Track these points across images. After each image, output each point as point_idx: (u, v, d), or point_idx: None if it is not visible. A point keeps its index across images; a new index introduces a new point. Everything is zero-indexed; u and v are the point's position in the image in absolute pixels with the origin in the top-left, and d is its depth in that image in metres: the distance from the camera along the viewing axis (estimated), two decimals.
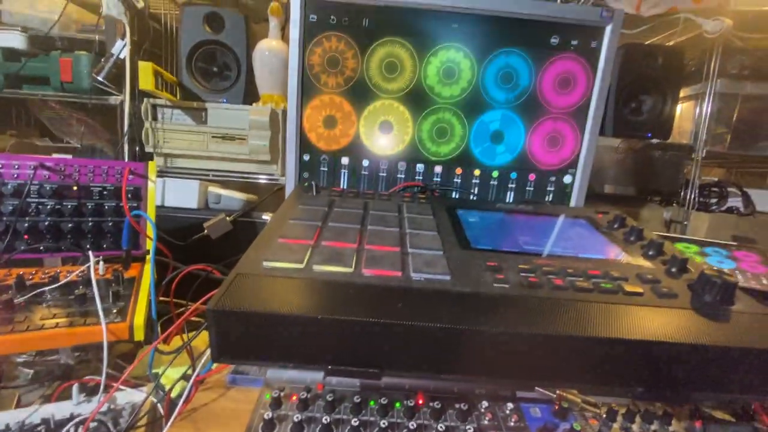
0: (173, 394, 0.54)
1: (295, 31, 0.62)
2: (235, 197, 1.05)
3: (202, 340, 0.58)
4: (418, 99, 0.65)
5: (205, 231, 0.94)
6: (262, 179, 1.16)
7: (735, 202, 1.33)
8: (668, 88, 1.21)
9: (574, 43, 0.64)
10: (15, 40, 1.11)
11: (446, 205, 0.53)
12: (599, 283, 0.35)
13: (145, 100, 1.09)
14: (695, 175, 1.21)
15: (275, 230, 0.39)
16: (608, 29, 0.63)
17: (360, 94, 0.65)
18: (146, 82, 0.95)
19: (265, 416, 0.40)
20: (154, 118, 1.12)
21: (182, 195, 0.99)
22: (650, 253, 0.43)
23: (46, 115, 1.21)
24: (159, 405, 0.53)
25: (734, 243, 0.92)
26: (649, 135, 1.21)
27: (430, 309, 0.29)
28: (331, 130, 0.66)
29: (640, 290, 0.35)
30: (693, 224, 1.23)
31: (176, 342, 0.59)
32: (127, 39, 1.04)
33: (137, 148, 1.13)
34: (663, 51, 1.20)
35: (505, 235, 0.47)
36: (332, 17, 0.62)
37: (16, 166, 0.65)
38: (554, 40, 0.64)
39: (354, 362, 0.29)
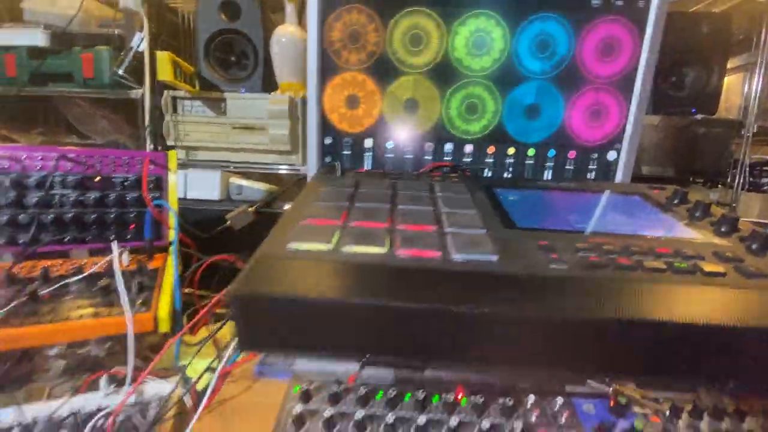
0: (200, 387, 0.52)
1: (313, 4, 0.58)
2: (257, 188, 1.03)
3: (228, 331, 0.56)
4: (445, 73, 0.61)
5: (228, 222, 0.92)
6: (283, 170, 1.14)
7: None
8: (714, 58, 1.12)
9: (619, 3, 0.58)
10: (37, 38, 1.11)
11: (482, 183, 0.48)
12: (672, 263, 0.30)
13: (165, 92, 1.08)
14: (745, 153, 1.11)
15: (298, 212, 0.36)
16: None
17: (383, 70, 0.61)
18: (165, 72, 0.94)
19: (294, 411, 0.38)
20: (174, 111, 1.11)
21: (204, 186, 0.97)
22: (723, 229, 0.37)
23: (73, 112, 1.22)
24: (186, 397, 0.51)
25: None
26: (694, 111, 1.12)
27: (477, 293, 0.25)
28: (354, 110, 0.63)
29: (721, 270, 0.30)
30: (743, 206, 1.13)
31: (203, 333, 0.57)
32: (145, 30, 1.03)
33: (159, 145, 1.13)
34: (708, 18, 1.10)
35: (552, 213, 0.42)
36: None
37: (39, 158, 0.65)
38: (596, 2, 0.58)
39: (393, 352, 0.25)
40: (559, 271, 0.28)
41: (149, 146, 1.08)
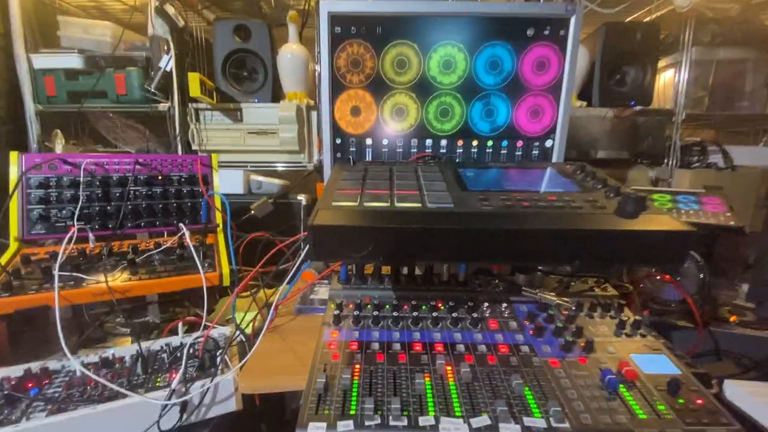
0: (247, 331, 0.74)
1: (324, 41, 0.80)
2: (273, 183, 1.25)
3: (264, 294, 0.78)
4: (424, 87, 0.84)
5: (252, 212, 1.14)
6: (292, 167, 1.36)
7: (718, 158, 1.47)
8: (647, 59, 1.37)
9: (546, 32, 0.81)
10: (73, 61, 1.31)
11: (451, 166, 0.71)
12: (554, 203, 0.53)
13: (190, 105, 1.30)
14: (676, 136, 1.37)
15: (333, 186, 0.58)
16: (573, 19, 0.80)
17: (378, 87, 0.84)
18: (195, 89, 1.15)
19: (335, 313, 0.60)
20: (198, 120, 1.32)
21: (230, 183, 1.19)
22: (598, 186, 0.61)
23: (103, 124, 1.42)
24: (242, 336, 0.72)
25: (703, 191, 1.08)
26: (633, 103, 1.36)
27: (439, 220, 0.48)
28: (357, 117, 0.85)
29: (581, 206, 0.53)
30: (677, 180, 1.39)
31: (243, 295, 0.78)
32: (172, 53, 1.24)
33: (183, 147, 1.33)
34: (641, 27, 1.35)
35: (492, 181, 0.65)
36: (352, 28, 0.81)
37: (117, 163, 0.86)
38: (530, 32, 0.81)
39: (398, 257, 0.48)
40: (487, 210, 0.51)
41: (180, 152, 1.29)
